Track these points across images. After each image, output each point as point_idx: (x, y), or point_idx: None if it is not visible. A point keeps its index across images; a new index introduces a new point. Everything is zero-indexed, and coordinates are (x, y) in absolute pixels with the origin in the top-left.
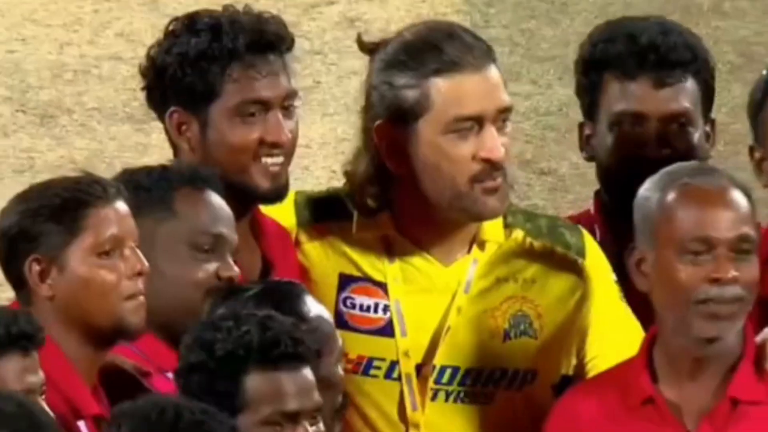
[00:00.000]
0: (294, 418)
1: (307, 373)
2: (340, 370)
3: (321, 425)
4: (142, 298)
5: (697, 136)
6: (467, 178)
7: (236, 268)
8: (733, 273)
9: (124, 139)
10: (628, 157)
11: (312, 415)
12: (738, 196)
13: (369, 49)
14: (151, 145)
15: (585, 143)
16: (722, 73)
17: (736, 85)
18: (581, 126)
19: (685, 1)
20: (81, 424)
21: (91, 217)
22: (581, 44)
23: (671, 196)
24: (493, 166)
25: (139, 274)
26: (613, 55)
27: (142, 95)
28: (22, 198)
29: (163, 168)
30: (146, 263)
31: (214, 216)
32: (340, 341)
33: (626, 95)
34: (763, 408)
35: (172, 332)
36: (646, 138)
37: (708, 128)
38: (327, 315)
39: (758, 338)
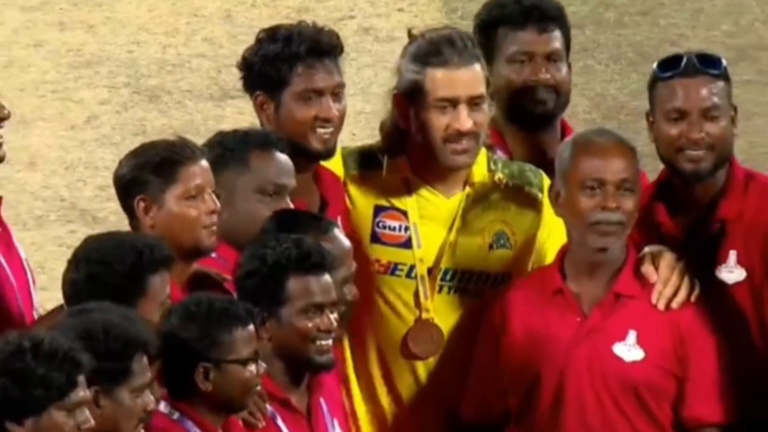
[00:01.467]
0: (320, 308)
1: (328, 277)
2: (349, 289)
3: (336, 315)
4: (214, 227)
5: (564, 68)
6: (441, 140)
7: (291, 206)
8: (616, 204)
9: (207, 113)
10: (521, 83)
11: (332, 307)
12: (624, 150)
13: (410, 38)
14: (225, 117)
15: (486, 86)
16: (624, 65)
17: (633, 74)
18: (486, 77)
19: (597, 17)
20: None
21: (182, 171)
22: (477, 14)
23: (577, 149)
24: (459, 134)
25: (213, 212)
26: (507, 14)
27: (220, 81)
28: (133, 154)
29: (244, 133)
30: (218, 204)
31: (278, 170)
32: (353, 266)
33: (517, 41)
34: (636, 300)
35: (244, 248)
36: (534, 69)
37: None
38: (347, 244)
39: (642, 252)
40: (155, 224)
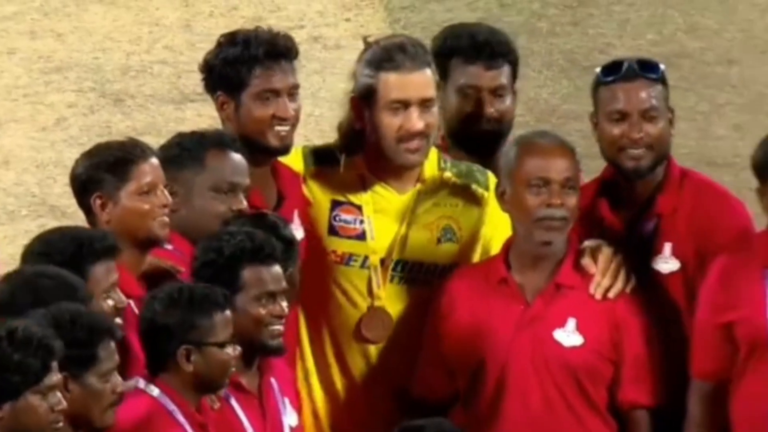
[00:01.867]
0: (273, 296)
1: (278, 268)
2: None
3: (286, 302)
4: (166, 219)
5: (509, 99)
6: (394, 140)
7: (245, 203)
8: (560, 201)
9: (168, 115)
10: (468, 113)
11: (282, 294)
12: (566, 151)
13: (365, 45)
14: (186, 119)
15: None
16: (556, 72)
17: (564, 80)
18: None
19: (530, 26)
20: (131, 301)
21: (134, 170)
22: (433, 39)
23: (522, 150)
24: (411, 134)
25: (164, 206)
26: (460, 47)
27: (180, 86)
28: (88, 155)
29: (201, 134)
30: (170, 199)
31: (232, 169)
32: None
33: (466, 74)
34: (576, 290)
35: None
36: (480, 102)
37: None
38: (296, 238)
39: (582, 245)
40: (111, 219)
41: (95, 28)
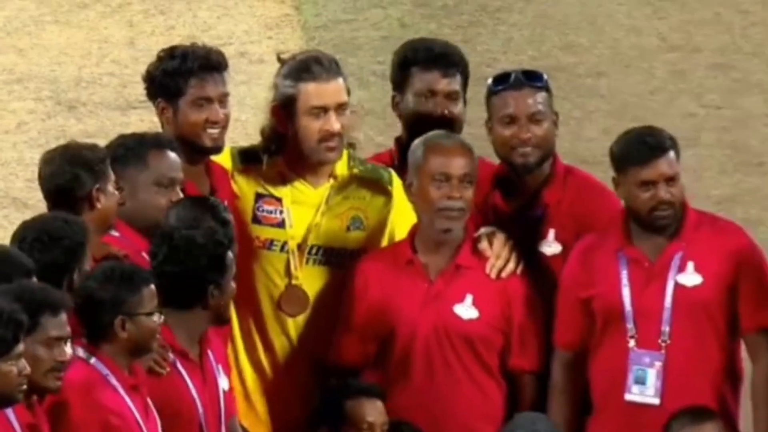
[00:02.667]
0: None
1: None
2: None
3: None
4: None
5: (460, 104)
6: (316, 140)
7: (181, 195)
8: (459, 194)
9: (115, 120)
10: (423, 114)
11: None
12: (465, 150)
13: (279, 62)
14: (130, 124)
15: (395, 106)
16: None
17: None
18: (393, 97)
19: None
20: None
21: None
22: (394, 52)
23: (427, 149)
24: (331, 135)
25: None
26: (419, 57)
27: (126, 95)
28: (53, 154)
29: (141, 136)
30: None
31: (170, 166)
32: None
33: (424, 80)
34: (474, 270)
35: (144, 230)
36: (435, 105)
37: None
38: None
39: (479, 231)
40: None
41: (52, 45)
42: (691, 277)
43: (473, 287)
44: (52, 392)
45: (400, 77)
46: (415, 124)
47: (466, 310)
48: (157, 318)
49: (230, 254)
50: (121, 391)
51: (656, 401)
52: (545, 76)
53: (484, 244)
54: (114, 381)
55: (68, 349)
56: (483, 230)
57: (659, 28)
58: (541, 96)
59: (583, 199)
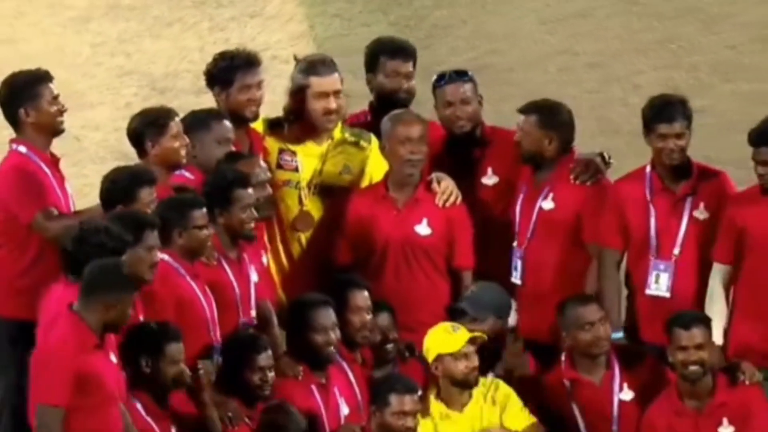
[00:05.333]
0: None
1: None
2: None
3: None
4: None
5: (413, 81)
6: (320, 114)
7: (233, 148)
8: (419, 150)
9: (191, 100)
10: (391, 89)
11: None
12: (420, 121)
13: (296, 61)
14: (202, 103)
15: (368, 83)
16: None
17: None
18: (368, 77)
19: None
20: None
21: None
22: (367, 46)
23: (395, 120)
24: (330, 111)
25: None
26: (385, 49)
27: (198, 84)
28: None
29: (207, 109)
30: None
31: (225, 129)
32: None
33: (389, 64)
34: (429, 202)
35: (208, 172)
36: (399, 83)
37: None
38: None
39: (432, 175)
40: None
41: (148, 50)
42: None
43: (428, 213)
44: (148, 283)
45: (372, 63)
46: (383, 96)
47: (423, 229)
48: (207, 231)
49: (239, 192)
50: (187, 278)
51: None
52: (470, 73)
53: (435, 184)
54: (182, 271)
55: (159, 253)
56: (434, 174)
57: (551, 39)
58: (467, 86)
59: (505, 146)
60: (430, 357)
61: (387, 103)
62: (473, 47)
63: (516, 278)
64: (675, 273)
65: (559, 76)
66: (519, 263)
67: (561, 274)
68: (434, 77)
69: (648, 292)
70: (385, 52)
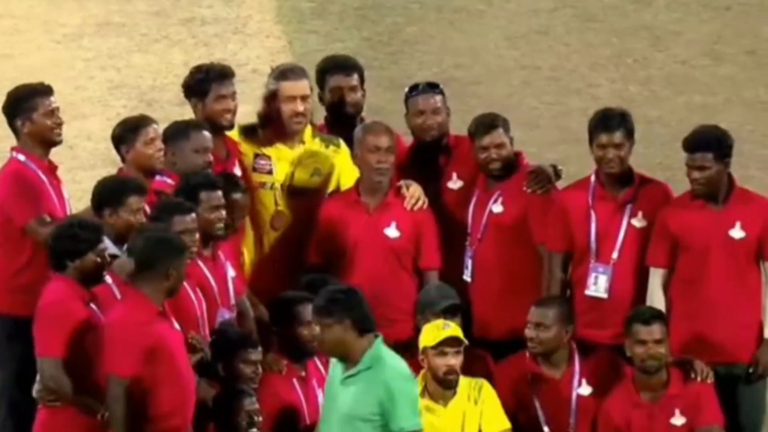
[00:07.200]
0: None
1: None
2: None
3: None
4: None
5: (359, 93)
6: (289, 117)
7: (212, 158)
8: (386, 159)
9: (175, 111)
10: (337, 101)
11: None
12: (389, 131)
13: (271, 70)
14: (185, 114)
15: (320, 99)
16: (382, 90)
17: (387, 95)
18: (319, 93)
19: (366, 63)
20: None
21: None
22: (317, 65)
23: (365, 130)
24: (298, 114)
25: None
26: (330, 65)
27: (181, 96)
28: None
29: (186, 120)
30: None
31: (203, 139)
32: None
33: (333, 80)
34: (398, 206)
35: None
36: (343, 95)
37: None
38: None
39: (400, 182)
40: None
41: (136, 65)
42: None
43: (396, 217)
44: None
45: (320, 80)
46: (333, 109)
47: (392, 231)
48: (193, 236)
49: (204, 195)
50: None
51: None
52: (441, 85)
53: (403, 190)
54: None
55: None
56: (403, 181)
57: (514, 54)
58: (438, 98)
59: (470, 151)
60: (420, 349)
61: (336, 115)
62: (440, 61)
63: (467, 276)
64: (613, 276)
65: (521, 89)
66: (470, 263)
67: (508, 274)
68: (407, 88)
69: (587, 292)
70: (329, 70)
